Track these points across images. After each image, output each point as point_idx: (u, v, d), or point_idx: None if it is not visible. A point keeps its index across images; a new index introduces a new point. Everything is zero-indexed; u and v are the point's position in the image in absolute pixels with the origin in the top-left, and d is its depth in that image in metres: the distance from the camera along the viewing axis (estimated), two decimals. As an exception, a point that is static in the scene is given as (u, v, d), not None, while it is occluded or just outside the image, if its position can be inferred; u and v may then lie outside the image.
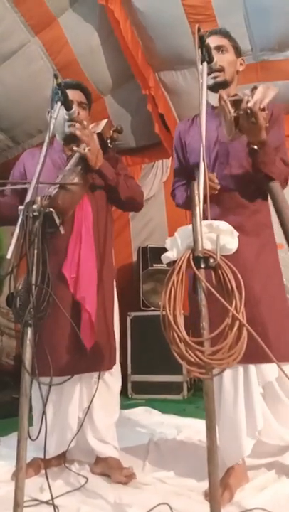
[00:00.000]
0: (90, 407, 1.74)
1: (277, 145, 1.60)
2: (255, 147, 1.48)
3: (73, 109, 1.68)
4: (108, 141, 1.73)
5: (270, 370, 1.53)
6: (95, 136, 1.69)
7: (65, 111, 1.66)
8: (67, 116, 1.70)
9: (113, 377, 1.85)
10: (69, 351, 1.69)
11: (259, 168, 1.51)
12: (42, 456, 1.62)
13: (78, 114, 1.74)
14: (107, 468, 1.74)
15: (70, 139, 1.80)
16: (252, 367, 1.54)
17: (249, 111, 1.37)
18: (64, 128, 1.79)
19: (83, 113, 1.86)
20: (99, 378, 1.76)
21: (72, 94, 1.76)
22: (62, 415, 1.76)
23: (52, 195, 1.44)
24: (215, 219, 1.21)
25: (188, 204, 1.70)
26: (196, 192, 1.16)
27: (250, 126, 1.41)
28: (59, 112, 1.60)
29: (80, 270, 1.72)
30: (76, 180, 1.60)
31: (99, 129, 1.70)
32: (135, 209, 2.02)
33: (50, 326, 1.60)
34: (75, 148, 1.65)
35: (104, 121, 1.74)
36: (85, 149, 1.62)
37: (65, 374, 1.63)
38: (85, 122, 1.73)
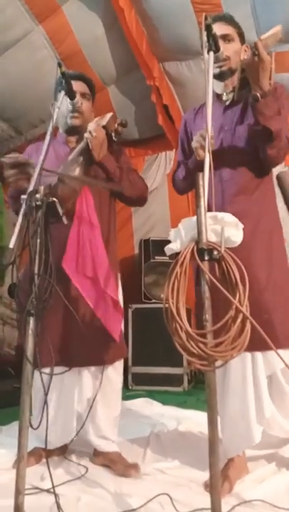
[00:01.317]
0: (93, 401, 1.73)
1: None
2: (258, 94, 1.45)
3: (76, 99, 1.67)
4: (112, 134, 1.73)
5: (276, 358, 1.51)
6: (102, 129, 1.68)
7: (68, 100, 1.65)
8: (70, 106, 1.70)
9: (116, 373, 1.82)
10: (73, 343, 1.69)
11: (258, 120, 1.48)
12: (43, 447, 1.64)
13: (81, 104, 1.74)
14: (108, 461, 1.74)
15: (73, 130, 1.81)
16: (259, 355, 1.54)
17: (254, 45, 1.37)
18: (66, 119, 1.80)
19: (86, 104, 1.86)
20: (103, 372, 1.74)
21: (76, 85, 1.75)
22: (63, 407, 1.76)
23: (52, 185, 1.45)
24: (219, 206, 1.20)
25: (189, 180, 1.69)
26: (200, 183, 1.15)
27: (255, 66, 1.39)
28: (62, 102, 1.60)
29: (96, 264, 1.70)
30: (77, 171, 1.61)
31: (104, 122, 1.70)
32: (138, 203, 1.99)
33: (53, 316, 1.60)
34: (86, 135, 1.64)
35: (109, 115, 1.74)
36: (91, 135, 1.61)
37: (69, 365, 1.63)
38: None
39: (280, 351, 1.49)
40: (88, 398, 1.75)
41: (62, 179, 1.51)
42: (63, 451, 1.85)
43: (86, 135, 1.65)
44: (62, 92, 1.59)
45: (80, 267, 1.69)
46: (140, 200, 1.94)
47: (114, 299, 1.71)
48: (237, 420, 1.56)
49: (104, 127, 1.69)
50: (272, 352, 1.47)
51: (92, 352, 1.69)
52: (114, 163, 1.80)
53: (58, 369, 1.60)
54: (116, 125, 1.72)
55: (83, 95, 1.85)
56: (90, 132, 1.63)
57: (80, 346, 1.68)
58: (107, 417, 1.78)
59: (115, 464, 1.71)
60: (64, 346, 1.69)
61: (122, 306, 1.88)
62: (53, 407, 1.72)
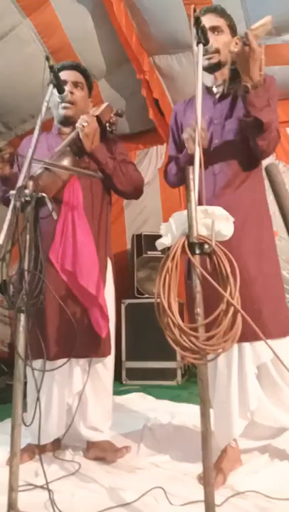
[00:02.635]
0: (81, 395, 1.73)
1: None
2: (248, 85, 1.45)
3: (65, 93, 1.66)
4: (107, 124, 1.70)
5: (265, 349, 1.52)
6: (94, 118, 1.66)
7: (57, 94, 1.64)
8: (59, 99, 1.69)
9: (106, 370, 1.81)
10: (60, 335, 1.68)
11: (249, 111, 1.47)
12: (36, 443, 1.64)
13: (72, 94, 1.75)
14: (100, 451, 1.74)
15: (66, 121, 1.80)
16: (247, 346, 1.54)
17: (244, 36, 1.36)
18: (58, 110, 1.79)
19: (79, 93, 1.83)
20: (90, 365, 1.74)
21: (68, 75, 1.76)
22: (54, 402, 1.75)
23: (34, 174, 1.42)
24: (210, 199, 1.20)
25: (180, 175, 1.69)
26: (190, 176, 1.14)
27: (246, 56, 1.39)
28: (53, 94, 1.59)
29: (80, 257, 1.68)
30: (66, 161, 1.59)
31: (97, 112, 1.67)
32: (132, 196, 1.94)
33: (42, 310, 1.59)
34: (78, 123, 1.63)
35: (104, 105, 1.71)
36: (82, 125, 1.60)
37: (55, 358, 1.64)
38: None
39: (270, 341, 1.51)
40: (78, 392, 1.75)
41: (47, 168, 1.48)
42: (57, 446, 1.85)
43: (77, 125, 1.63)
44: (51, 86, 1.57)
45: (60, 260, 1.68)
46: (135, 193, 1.89)
47: (92, 294, 1.68)
48: (221, 412, 1.57)
49: (97, 117, 1.66)
50: (260, 343, 1.49)
51: (79, 345, 1.64)
52: (106, 154, 1.76)
53: (49, 364, 1.60)
54: (111, 115, 1.69)
55: (75, 84, 1.82)
56: (80, 122, 1.61)
57: (68, 339, 1.64)
58: (98, 410, 1.78)
59: (107, 452, 1.71)
60: (51, 339, 1.68)
61: (113, 303, 1.87)
62: (44, 402, 1.71)
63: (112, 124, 1.71)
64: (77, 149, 1.64)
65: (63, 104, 1.74)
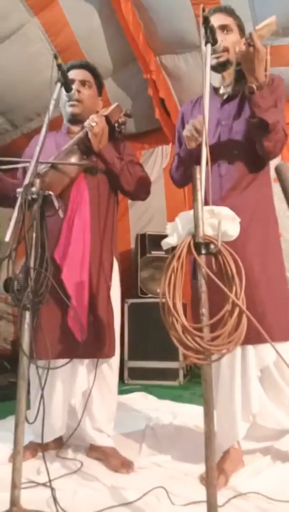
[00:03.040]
0: (89, 396, 1.72)
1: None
2: (254, 86, 1.44)
3: (72, 91, 1.66)
4: (116, 124, 1.70)
5: (269, 351, 1.52)
6: (103, 118, 1.67)
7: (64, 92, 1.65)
8: (66, 98, 1.70)
9: (110, 369, 1.79)
10: (64, 335, 1.67)
11: (254, 112, 1.47)
12: (37, 441, 1.64)
13: (79, 92, 1.76)
14: (103, 455, 1.73)
15: (74, 119, 1.80)
16: (250, 349, 1.54)
17: (249, 36, 1.37)
18: (66, 108, 1.79)
19: (87, 92, 1.83)
20: (96, 366, 1.72)
21: (76, 73, 1.76)
22: (55, 401, 1.74)
23: (41, 172, 1.45)
24: (215, 201, 1.20)
25: (180, 170, 1.70)
26: (197, 176, 1.14)
27: (250, 57, 1.39)
28: (62, 94, 1.60)
29: (68, 254, 1.67)
30: (73, 160, 1.60)
31: (106, 112, 1.68)
32: (139, 197, 1.93)
33: (46, 309, 1.59)
34: (86, 122, 1.64)
35: (113, 105, 1.72)
36: (90, 125, 1.60)
37: (59, 357, 1.63)
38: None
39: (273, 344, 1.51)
40: (83, 392, 1.74)
41: (54, 166, 1.49)
42: (59, 445, 1.85)
43: (85, 124, 1.64)
44: (58, 84, 1.57)
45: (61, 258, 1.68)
46: (141, 194, 1.89)
47: (69, 293, 1.65)
48: (224, 414, 1.57)
49: (106, 117, 1.67)
50: (264, 345, 1.49)
51: (84, 345, 1.62)
52: (114, 153, 1.76)
53: (53, 363, 1.60)
54: (121, 115, 1.70)
55: (83, 82, 1.82)
56: (89, 122, 1.62)
57: (73, 339, 1.64)
58: (103, 411, 1.77)
59: (109, 459, 1.69)
60: (55, 338, 1.67)
61: (118, 303, 1.86)
62: (45, 401, 1.70)
63: (121, 125, 1.72)
64: (85, 148, 1.65)
65: (70, 102, 1.75)
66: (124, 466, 1.64)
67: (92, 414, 1.75)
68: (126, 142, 1.94)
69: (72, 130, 1.85)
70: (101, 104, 1.90)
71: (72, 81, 1.74)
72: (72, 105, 1.77)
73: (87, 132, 1.64)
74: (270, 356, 1.53)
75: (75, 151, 1.64)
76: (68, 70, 1.75)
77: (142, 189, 1.87)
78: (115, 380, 1.84)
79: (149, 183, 1.90)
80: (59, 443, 1.85)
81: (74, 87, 1.71)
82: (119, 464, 1.66)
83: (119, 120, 1.71)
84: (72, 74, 1.77)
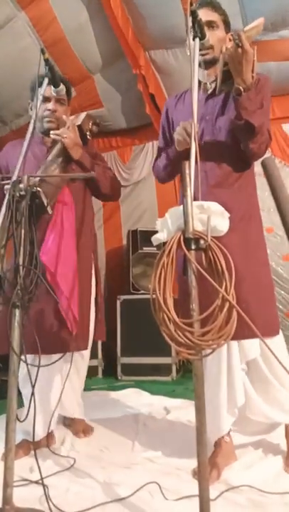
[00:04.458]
0: (63, 388, 1.79)
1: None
2: (241, 88, 1.44)
3: (49, 112, 1.86)
4: (87, 133, 1.84)
5: (252, 346, 1.54)
6: (76, 128, 1.79)
7: (42, 105, 1.82)
8: (46, 112, 1.86)
9: (83, 362, 1.98)
10: (45, 331, 1.75)
11: (240, 114, 1.47)
12: (30, 439, 1.64)
13: (55, 111, 1.88)
14: (71, 422, 2.01)
15: (48, 133, 1.89)
16: (234, 344, 1.55)
17: (236, 36, 1.36)
18: (43, 123, 1.91)
19: (62, 109, 1.94)
20: (72, 360, 1.78)
21: (51, 92, 1.76)
22: (44, 396, 1.79)
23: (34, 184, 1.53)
24: (199, 196, 1.20)
25: (169, 169, 1.73)
26: (186, 171, 1.14)
27: (238, 58, 1.38)
28: (39, 106, 1.70)
29: (60, 258, 1.76)
30: (57, 171, 1.73)
31: (78, 122, 1.79)
32: (112, 198, 2.13)
33: (34, 306, 1.61)
34: (52, 134, 1.78)
35: (83, 114, 1.84)
36: (63, 137, 1.72)
37: (53, 352, 1.72)
38: (64, 117, 1.86)
39: (257, 341, 1.53)
40: (58, 384, 1.82)
41: (44, 179, 1.59)
42: (50, 440, 1.86)
43: (57, 138, 1.77)
44: (46, 79, 1.56)
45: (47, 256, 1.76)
46: (115, 195, 2.09)
47: (64, 292, 1.77)
48: (210, 409, 1.57)
49: (79, 126, 1.79)
50: (247, 341, 1.52)
51: (63, 340, 1.77)
52: (91, 160, 1.91)
53: (44, 360, 1.61)
54: (90, 124, 1.83)
55: (58, 101, 1.92)
56: (61, 138, 1.76)
57: (59, 335, 1.75)
58: (72, 398, 1.94)
59: (74, 425, 1.99)
60: (40, 334, 1.71)
61: (93, 297, 1.99)
62: (40, 397, 1.73)
63: (92, 133, 1.87)
64: (65, 158, 1.78)
65: (48, 119, 1.88)
66: (84, 432, 1.97)
67: (62, 404, 1.87)
68: (95, 148, 2.14)
69: (46, 140, 1.95)
70: (69, 114, 1.99)
71: (48, 99, 1.86)
72: (49, 121, 1.89)
73: (63, 144, 1.77)
74: (253, 350, 1.55)
75: (59, 162, 1.77)
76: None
77: (116, 192, 2.07)
78: (85, 370, 2.04)
79: (120, 186, 2.12)
80: (51, 439, 1.86)
81: (50, 105, 1.86)
82: (80, 429, 1.96)
83: (90, 128, 1.85)
84: (48, 92, 1.77)
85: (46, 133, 1.91)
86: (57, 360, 1.61)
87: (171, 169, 1.75)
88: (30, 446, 1.75)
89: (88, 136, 1.85)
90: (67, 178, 1.81)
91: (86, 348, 1.93)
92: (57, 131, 1.79)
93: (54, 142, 1.83)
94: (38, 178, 1.53)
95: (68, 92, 1.96)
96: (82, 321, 1.86)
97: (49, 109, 1.86)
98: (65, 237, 1.80)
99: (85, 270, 1.92)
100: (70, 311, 1.76)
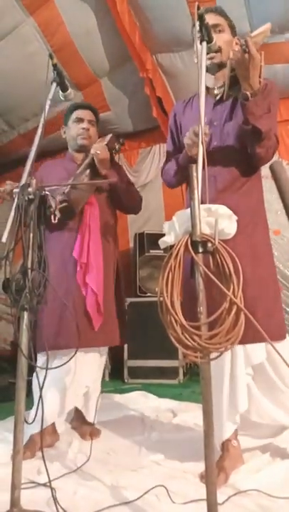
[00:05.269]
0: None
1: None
2: (248, 93, 1.45)
3: (82, 130, 2.11)
4: (113, 151, 2.04)
5: (257, 351, 1.53)
6: (105, 147, 1.99)
7: (76, 125, 2.12)
8: (80, 131, 2.12)
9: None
10: (66, 327, 1.86)
11: (247, 119, 1.47)
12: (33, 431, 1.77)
13: (88, 129, 2.13)
14: (78, 425, 2.06)
15: (81, 150, 2.15)
16: (239, 348, 1.54)
17: (243, 42, 1.36)
18: (77, 140, 2.14)
19: (93, 129, 2.18)
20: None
21: (84, 114, 2.14)
22: (53, 388, 1.88)
23: (65, 192, 1.82)
24: (207, 200, 1.20)
25: (179, 176, 1.76)
26: (194, 174, 1.14)
27: (245, 63, 1.38)
28: (71, 127, 2.11)
29: (89, 258, 1.97)
30: (85, 181, 1.96)
31: (106, 141, 2.02)
32: (134, 211, 2.31)
33: (52, 305, 1.72)
34: (93, 147, 1.99)
35: (108, 136, 2.06)
36: (96, 153, 1.96)
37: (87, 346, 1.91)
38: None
39: (263, 345, 1.52)
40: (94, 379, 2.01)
41: (74, 186, 1.88)
42: (56, 438, 1.92)
43: (92, 152, 1.97)
44: (54, 84, 1.57)
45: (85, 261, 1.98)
46: (137, 209, 2.27)
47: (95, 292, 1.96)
48: (214, 414, 1.57)
49: (106, 146, 1.99)
50: (251, 345, 1.51)
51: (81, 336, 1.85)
52: (116, 176, 2.08)
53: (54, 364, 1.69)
54: (115, 144, 2.04)
55: (90, 122, 2.17)
56: (95, 151, 1.96)
57: (71, 331, 1.83)
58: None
59: (81, 427, 2.04)
60: (58, 331, 1.87)
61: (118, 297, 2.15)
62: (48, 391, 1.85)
63: (117, 152, 2.07)
64: (93, 172, 1.99)
65: (82, 136, 2.13)
66: (91, 434, 1.98)
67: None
68: (121, 166, 2.39)
69: (76, 158, 2.17)
70: (97, 137, 2.22)
71: (82, 120, 2.14)
72: (83, 138, 2.13)
73: (93, 159, 1.97)
74: (259, 354, 1.54)
75: (87, 174, 1.99)
76: (76, 108, 2.16)
77: (137, 205, 2.26)
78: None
79: (141, 199, 2.28)
80: (56, 437, 1.92)
81: (84, 125, 2.13)
82: (87, 432, 2.00)
83: (115, 147, 2.04)
84: (82, 113, 2.14)
85: (80, 149, 2.15)
86: (64, 364, 1.57)
87: (180, 175, 1.75)
88: (36, 446, 1.77)
89: (114, 154, 2.06)
90: (94, 188, 2.02)
91: (117, 343, 2.07)
92: (95, 145, 2.00)
93: (83, 160, 2.08)
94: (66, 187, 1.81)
95: (97, 118, 2.22)
96: (109, 316, 2.01)
97: (83, 128, 2.11)
98: (92, 240, 1.99)
99: (108, 271, 2.06)
100: (97, 305, 1.94)
